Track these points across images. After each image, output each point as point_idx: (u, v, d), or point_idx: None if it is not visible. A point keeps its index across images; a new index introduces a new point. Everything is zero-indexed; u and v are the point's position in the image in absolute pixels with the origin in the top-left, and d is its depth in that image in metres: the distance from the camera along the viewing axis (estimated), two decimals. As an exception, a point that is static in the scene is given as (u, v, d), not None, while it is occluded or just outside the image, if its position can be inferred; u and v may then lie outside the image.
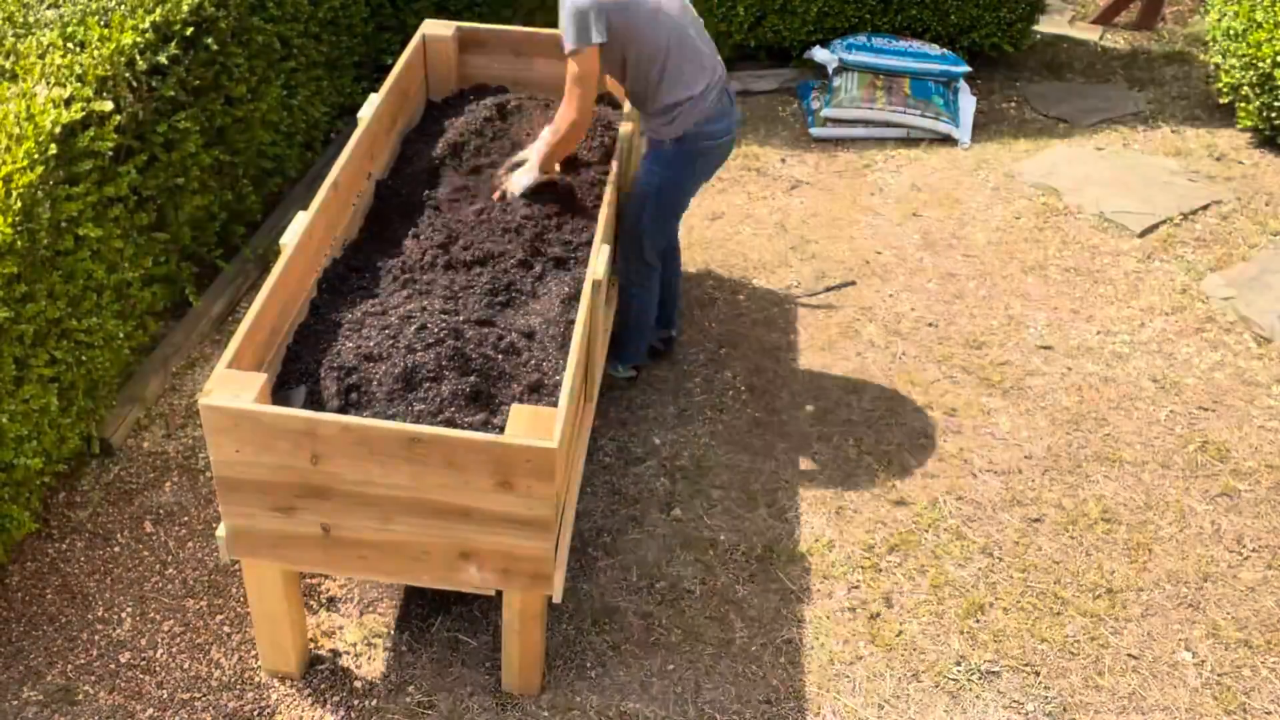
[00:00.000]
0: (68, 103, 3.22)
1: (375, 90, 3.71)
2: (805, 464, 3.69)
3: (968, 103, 5.65)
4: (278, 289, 2.87)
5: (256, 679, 2.99)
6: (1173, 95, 5.99)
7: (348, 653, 3.06)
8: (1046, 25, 6.61)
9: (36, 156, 3.02)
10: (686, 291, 4.41)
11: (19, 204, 2.93)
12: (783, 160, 5.32)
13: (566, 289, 3.12)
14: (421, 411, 2.66)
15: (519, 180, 3.42)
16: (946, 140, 5.51)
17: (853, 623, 3.21)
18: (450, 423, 2.64)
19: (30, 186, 2.98)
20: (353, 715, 2.91)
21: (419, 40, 3.93)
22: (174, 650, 3.06)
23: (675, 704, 2.97)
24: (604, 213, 3.19)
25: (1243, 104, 5.45)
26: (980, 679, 3.07)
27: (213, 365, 3.95)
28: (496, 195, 3.43)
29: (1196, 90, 6.04)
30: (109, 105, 3.29)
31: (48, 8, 3.61)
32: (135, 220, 3.62)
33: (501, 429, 2.62)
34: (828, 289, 4.16)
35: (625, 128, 3.56)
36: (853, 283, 4.10)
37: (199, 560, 3.30)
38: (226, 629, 3.12)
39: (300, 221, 3.02)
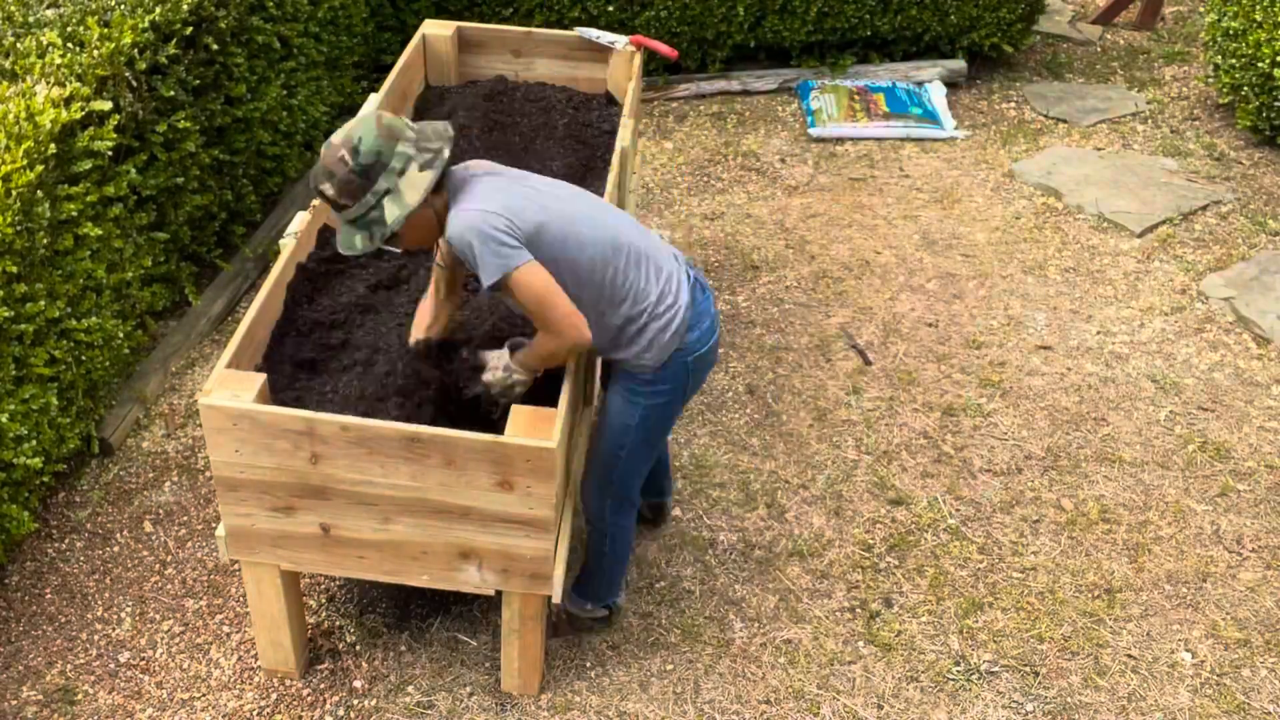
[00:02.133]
0: (67, 102, 3.23)
1: (375, 90, 3.72)
2: (805, 464, 3.69)
3: (938, 94, 5.74)
4: (277, 289, 2.87)
5: (256, 679, 2.99)
6: (1172, 95, 5.99)
7: (347, 652, 3.06)
8: (1046, 25, 6.62)
9: (36, 156, 3.02)
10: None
11: (18, 203, 2.94)
12: (782, 160, 5.32)
13: None
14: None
15: (508, 380, 2.61)
16: (945, 141, 5.51)
17: (852, 623, 3.21)
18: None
19: (30, 186, 2.98)
20: (352, 715, 2.91)
21: (419, 40, 3.93)
22: (173, 650, 3.06)
23: (675, 704, 2.97)
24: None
25: (1242, 104, 5.45)
26: (979, 679, 3.07)
27: (212, 365, 3.95)
28: (488, 395, 2.66)
29: (1196, 90, 6.04)
30: (108, 105, 3.30)
31: (47, 7, 3.61)
32: (135, 220, 3.62)
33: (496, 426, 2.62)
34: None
35: (624, 133, 3.55)
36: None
37: (198, 560, 3.30)
38: (226, 629, 3.12)
39: (300, 221, 3.02)
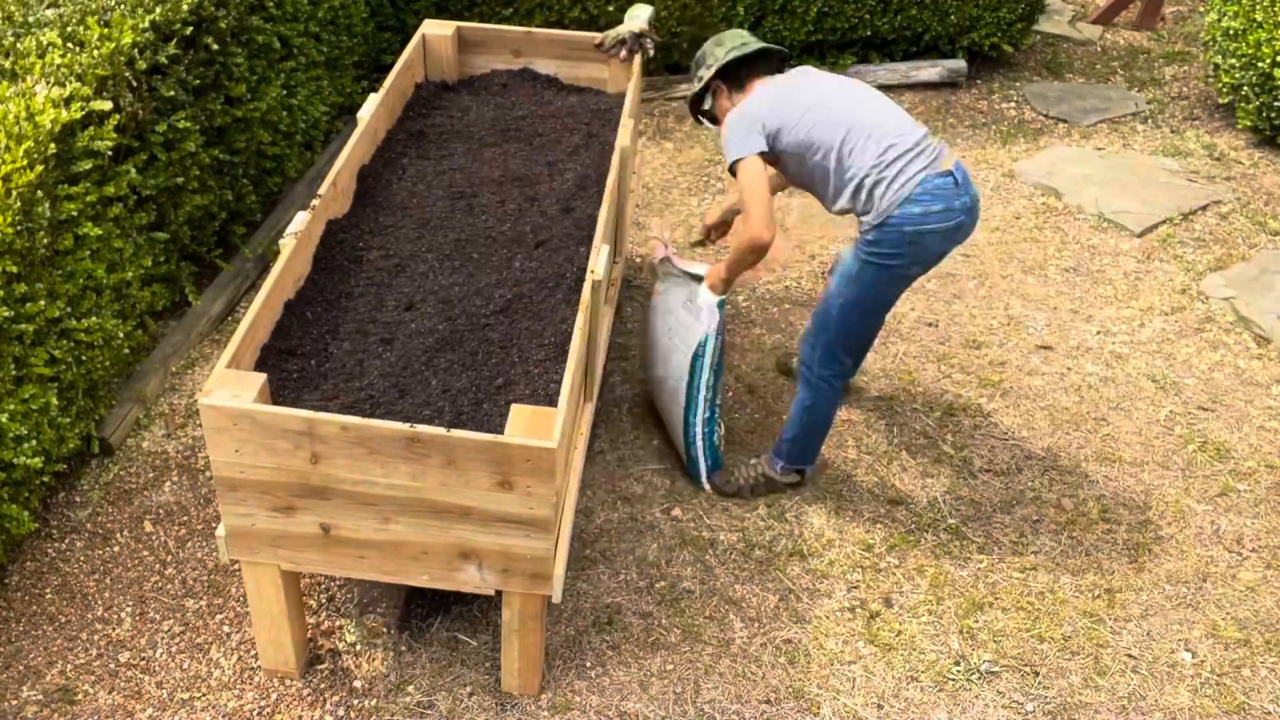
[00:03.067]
0: (67, 102, 3.23)
1: (375, 90, 3.71)
2: (805, 464, 3.69)
3: None
4: (277, 289, 2.87)
5: (256, 679, 3.00)
6: (1172, 95, 5.99)
7: (347, 652, 3.06)
8: (1046, 25, 6.62)
9: (36, 156, 3.02)
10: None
11: (18, 203, 2.94)
12: (782, 160, 5.32)
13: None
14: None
15: (687, 272, 3.41)
16: (945, 141, 5.51)
17: (852, 622, 3.21)
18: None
19: (30, 186, 2.98)
20: (352, 715, 2.91)
21: (419, 40, 3.93)
22: (173, 650, 3.06)
23: (675, 704, 2.97)
24: (603, 212, 3.19)
25: (1242, 104, 5.45)
26: (980, 679, 3.07)
27: (212, 365, 3.95)
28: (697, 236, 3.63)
29: (1196, 90, 6.04)
30: (108, 105, 3.29)
31: (47, 7, 3.61)
32: (135, 220, 3.62)
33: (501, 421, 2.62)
34: None
35: (624, 133, 3.55)
36: None
37: (198, 560, 3.30)
38: (226, 629, 3.12)
39: (300, 221, 3.03)
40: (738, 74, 3.28)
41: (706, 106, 3.37)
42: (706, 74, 3.28)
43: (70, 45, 3.42)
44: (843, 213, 3.13)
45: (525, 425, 2.46)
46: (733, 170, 3.10)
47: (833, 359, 3.25)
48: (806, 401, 3.33)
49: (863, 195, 3.03)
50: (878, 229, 3.01)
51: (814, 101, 3.10)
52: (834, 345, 3.23)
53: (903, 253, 3.03)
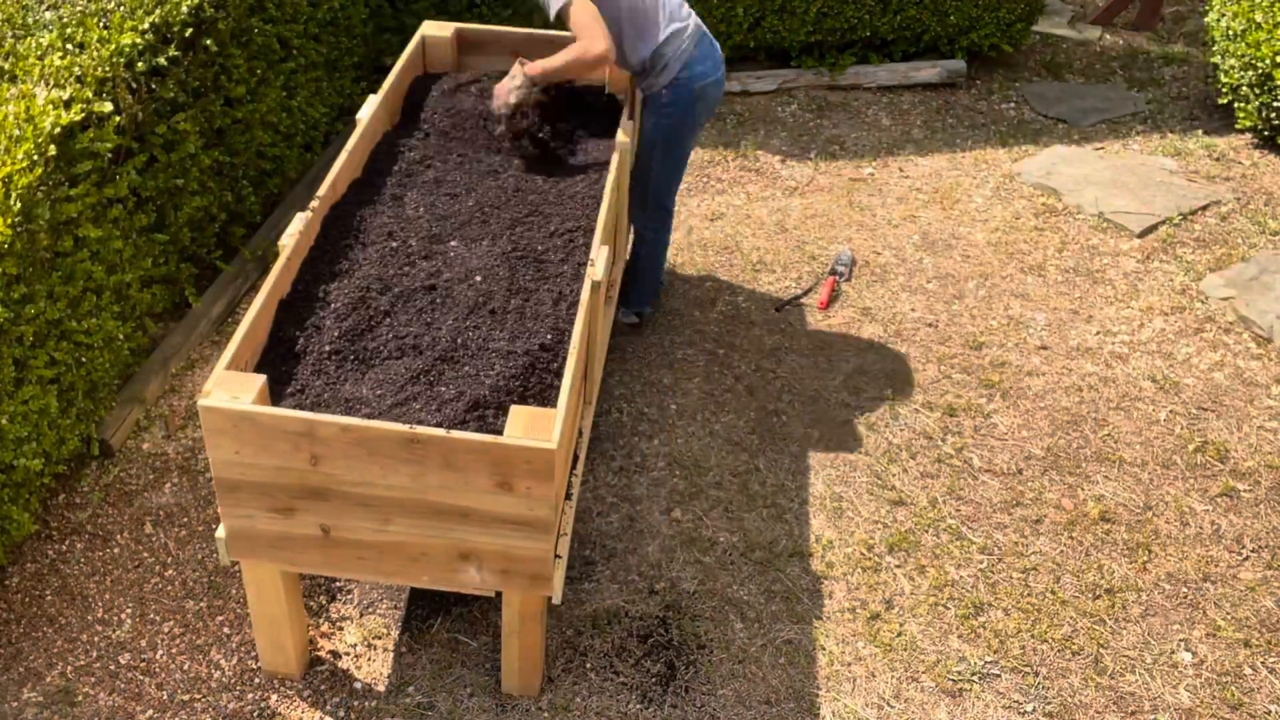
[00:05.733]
0: (67, 104, 3.23)
1: (374, 91, 3.72)
2: (805, 464, 3.69)
3: None
4: (277, 290, 2.88)
5: (256, 680, 3.00)
6: (1172, 95, 5.99)
7: (347, 653, 3.06)
8: (1046, 25, 6.62)
9: (36, 157, 3.02)
10: (686, 292, 4.41)
11: (18, 205, 2.94)
12: (782, 161, 5.32)
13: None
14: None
15: (506, 94, 3.44)
16: (945, 142, 5.51)
17: (852, 623, 3.21)
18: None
19: (30, 187, 2.98)
20: (352, 716, 2.91)
21: (418, 41, 3.93)
22: (174, 651, 3.06)
23: (675, 705, 2.97)
24: (603, 213, 3.19)
25: (1242, 104, 5.45)
26: (980, 679, 3.07)
27: (212, 366, 3.95)
28: (498, 104, 3.47)
29: (1196, 90, 6.04)
30: (108, 106, 3.30)
31: (47, 9, 3.61)
32: (135, 221, 3.63)
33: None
34: (795, 299, 4.29)
35: (623, 133, 3.55)
36: (808, 290, 4.36)
37: (199, 561, 3.31)
38: (226, 630, 3.12)
39: (299, 223, 3.03)
40: None
41: None
42: None
43: (70, 47, 3.42)
44: (637, 72, 3.59)
45: (525, 426, 2.46)
46: (558, 17, 3.32)
47: (660, 214, 3.89)
48: (641, 250, 3.94)
49: (661, 67, 3.53)
50: (669, 89, 3.57)
51: None
52: (659, 203, 3.86)
53: (687, 106, 3.62)
